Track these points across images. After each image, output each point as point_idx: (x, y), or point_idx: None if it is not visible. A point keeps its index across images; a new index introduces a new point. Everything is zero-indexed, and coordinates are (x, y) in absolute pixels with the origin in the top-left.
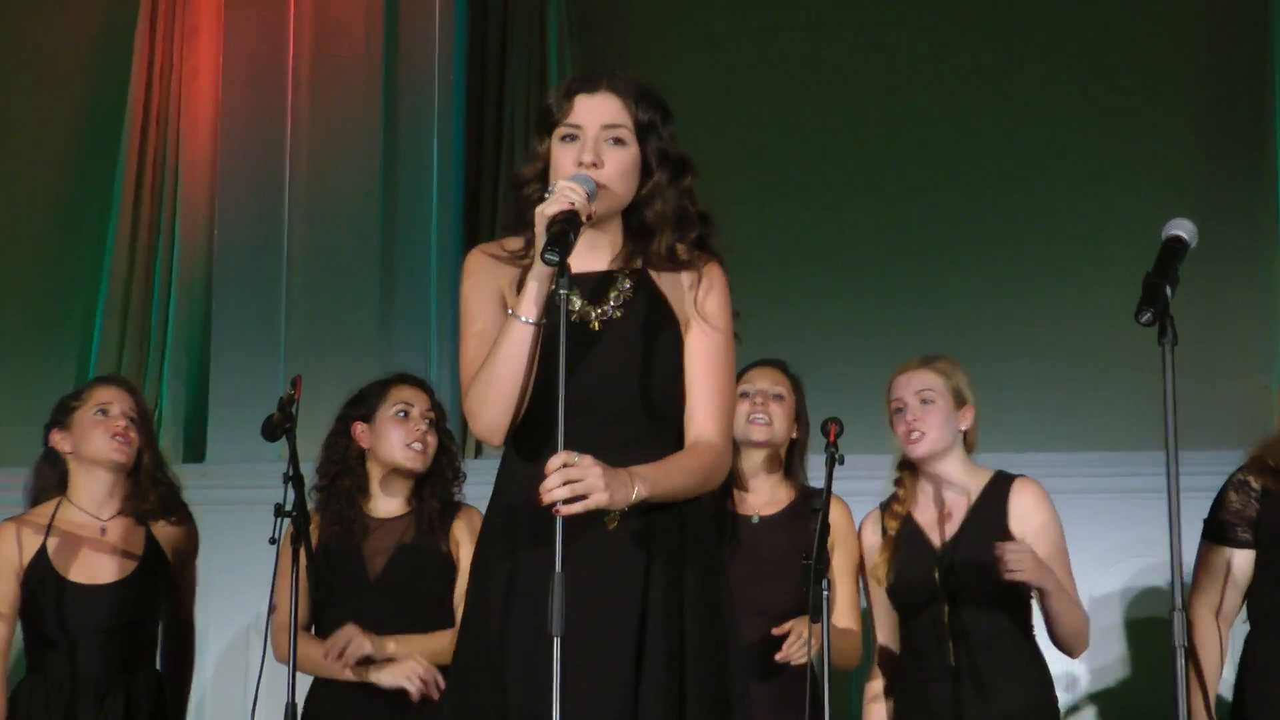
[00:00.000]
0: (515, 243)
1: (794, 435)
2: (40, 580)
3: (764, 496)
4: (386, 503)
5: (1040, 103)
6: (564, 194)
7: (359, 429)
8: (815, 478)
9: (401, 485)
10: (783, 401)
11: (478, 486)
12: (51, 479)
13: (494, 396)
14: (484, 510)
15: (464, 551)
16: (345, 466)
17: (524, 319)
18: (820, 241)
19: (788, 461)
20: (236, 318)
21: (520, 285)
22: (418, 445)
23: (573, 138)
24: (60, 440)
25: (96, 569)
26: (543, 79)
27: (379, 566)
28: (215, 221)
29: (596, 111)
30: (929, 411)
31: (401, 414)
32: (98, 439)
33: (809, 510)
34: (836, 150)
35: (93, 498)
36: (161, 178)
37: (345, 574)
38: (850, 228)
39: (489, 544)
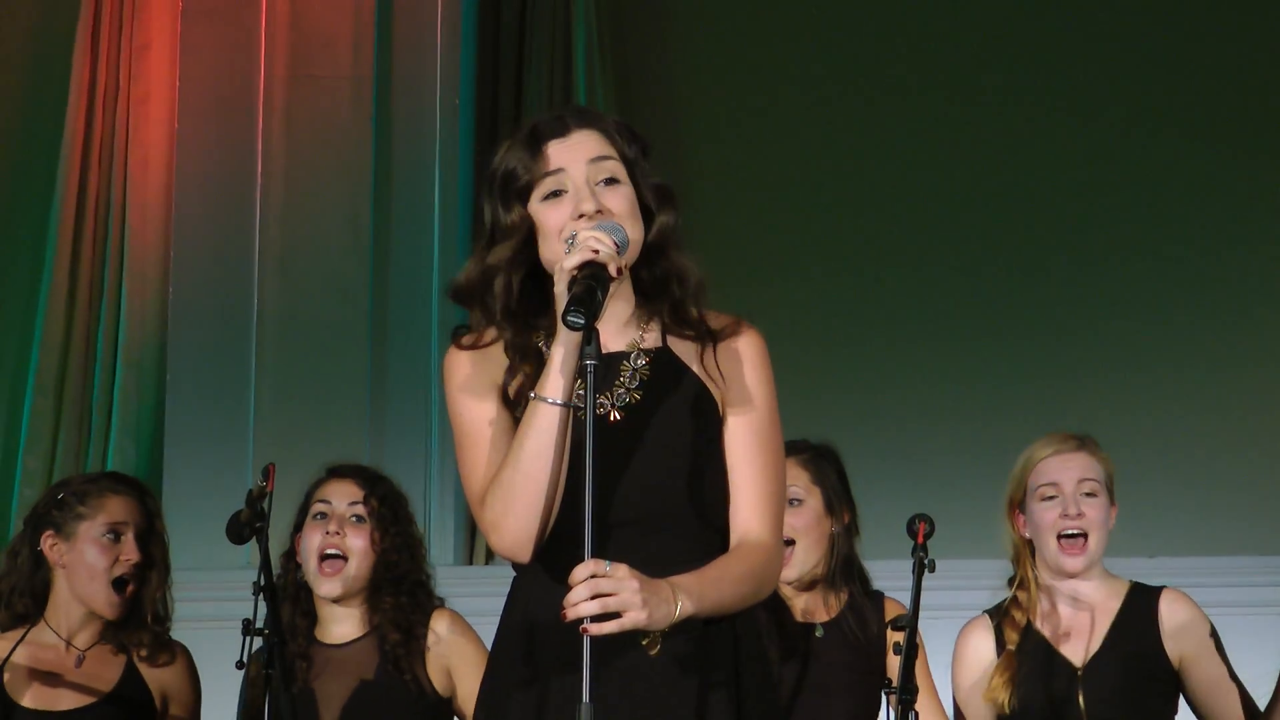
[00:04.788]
0: (493, 332)
1: (834, 529)
2: None
3: (819, 602)
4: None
5: (1173, 159)
6: (587, 243)
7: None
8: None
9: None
10: (801, 507)
11: (489, 599)
12: (26, 579)
13: (522, 501)
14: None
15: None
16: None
17: (551, 400)
18: (907, 314)
19: (839, 557)
20: (195, 395)
21: (512, 377)
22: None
23: (559, 192)
24: (52, 550)
25: (58, 693)
26: (568, 103)
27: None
28: (169, 279)
29: (576, 150)
30: (1092, 508)
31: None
32: (98, 575)
33: (859, 622)
34: (934, 212)
35: (71, 624)
36: (105, 226)
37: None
38: (948, 299)
39: (502, 671)
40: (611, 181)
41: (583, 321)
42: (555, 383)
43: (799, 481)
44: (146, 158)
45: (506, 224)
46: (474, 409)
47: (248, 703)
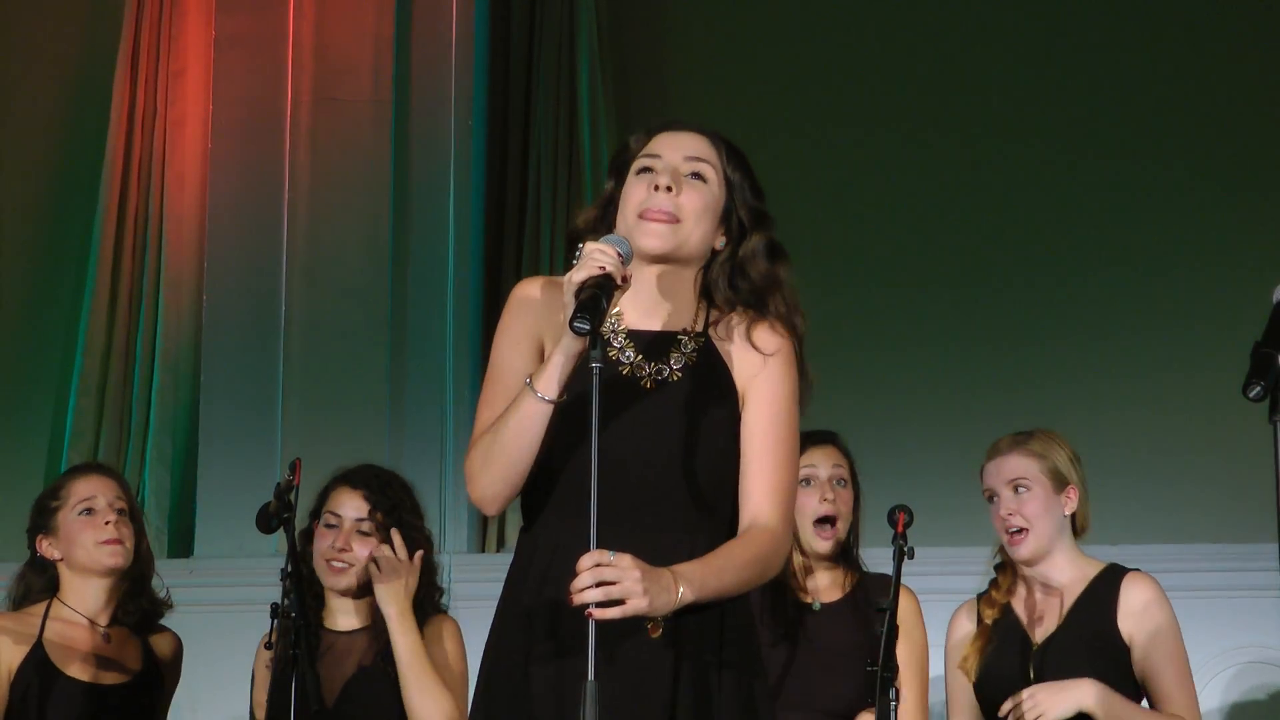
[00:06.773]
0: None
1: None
2: (36, 678)
3: (824, 581)
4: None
5: (1137, 170)
6: (592, 258)
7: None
8: (873, 564)
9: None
10: (846, 488)
11: (499, 585)
12: (38, 585)
13: (495, 467)
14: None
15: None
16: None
17: (540, 395)
18: (898, 319)
19: (845, 542)
20: (227, 395)
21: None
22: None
23: (650, 170)
24: (49, 548)
25: (99, 670)
26: (572, 127)
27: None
28: (203, 287)
29: (679, 143)
30: (1025, 502)
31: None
32: (89, 544)
33: (869, 603)
34: (913, 221)
35: (87, 604)
36: (143, 238)
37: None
38: (931, 305)
39: (505, 635)
40: (698, 177)
41: (588, 327)
42: (549, 379)
43: (845, 464)
44: (182, 175)
45: (603, 191)
46: (507, 355)
47: (274, 677)
